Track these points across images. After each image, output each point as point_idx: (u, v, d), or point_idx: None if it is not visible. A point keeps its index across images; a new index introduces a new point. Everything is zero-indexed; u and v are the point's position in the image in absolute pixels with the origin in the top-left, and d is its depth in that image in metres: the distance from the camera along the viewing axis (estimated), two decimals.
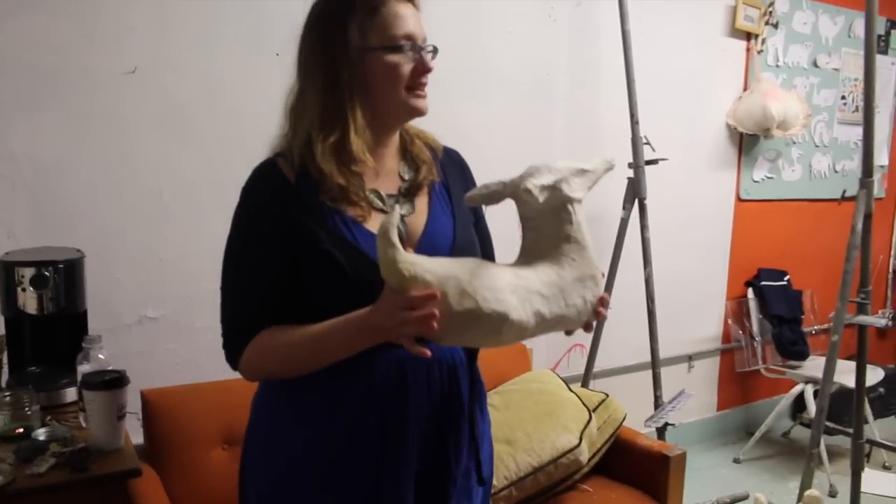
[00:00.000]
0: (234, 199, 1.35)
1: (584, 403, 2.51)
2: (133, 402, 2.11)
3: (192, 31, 2.33)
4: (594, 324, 1.31)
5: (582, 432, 2.42)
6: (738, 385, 4.28)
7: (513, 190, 1.24)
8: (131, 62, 2.25)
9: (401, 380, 1.31)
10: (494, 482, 2.31)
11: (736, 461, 3.96)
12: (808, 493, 1.64)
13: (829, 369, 2.57)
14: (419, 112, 1.34)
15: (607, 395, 2.65)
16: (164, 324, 2.39)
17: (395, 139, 1.41)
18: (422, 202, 1.39)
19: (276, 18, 2.42)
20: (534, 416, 2.45)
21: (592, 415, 2.50)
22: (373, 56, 1.29)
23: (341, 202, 1.30)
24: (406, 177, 1.41)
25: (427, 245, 1.33)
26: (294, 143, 1.32)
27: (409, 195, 1.39)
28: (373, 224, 1.31)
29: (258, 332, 1.29)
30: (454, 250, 1.36)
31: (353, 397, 1.30)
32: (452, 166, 1.49)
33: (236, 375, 2.20)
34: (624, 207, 3.10)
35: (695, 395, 3.94)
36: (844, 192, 2.67)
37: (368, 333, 1.20)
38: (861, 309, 2.65)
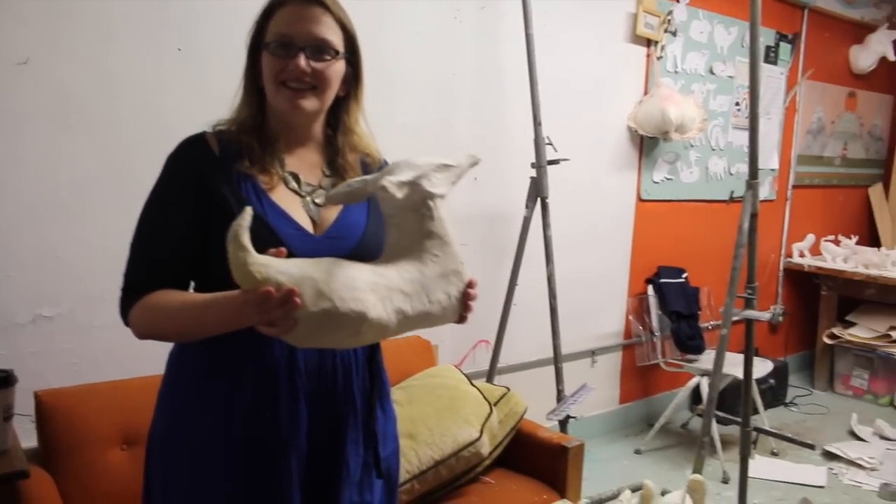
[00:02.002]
0: (134, 194, 1.42)
1: (485, 397, 2.56)
2: (27, 404, 2.06)
3: (88, 23, 2.27)
4: (467, 316, 1.36)
5: (483, 426, 2.47)
6: (640, 379, 4.43)
7: (374, 187, 1.26)
8: (23, 53, 2.18)
9: (293, 365, 1.34)
10: None
11: (637, 452, 4.09)
12: (692, 477, 1.72)
13: (719, 361, 2.70)
14: (291, 110, 1.38)
15: (508, 389, 2.72)
16: (60, 323, 2.33)
17: (315, 136, 1.47)
18: None
19: (178, 13, 2.38)
20: (436, 410, 2.49)
21: (493, 408, 2.56)
22: (263, 52, 1.38)
23: (255, 168, 1.36)
24: (328, 173, 1.46)
25: (334, 233, 1.39)
26: (228, 122, 1.42)
27: (326, 190, 1.43)
28: (280, 197, 1.36)
29: (150, 292, 1.32)
30: (362, 243, 1.40)
31: (248, 382, 1.33)
32: None
33: (135, 374, 2.18)
34: (527, 206, 3.17)
35: (597, 389, 4.05)
36: (732, 192, 2.81)
37: (239, 317, 1.21)
38: (748, 304, 2.79)
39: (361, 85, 1.50)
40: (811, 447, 3.16)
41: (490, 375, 3.29)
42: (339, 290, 1.14)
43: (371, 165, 1.52)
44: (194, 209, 1.33)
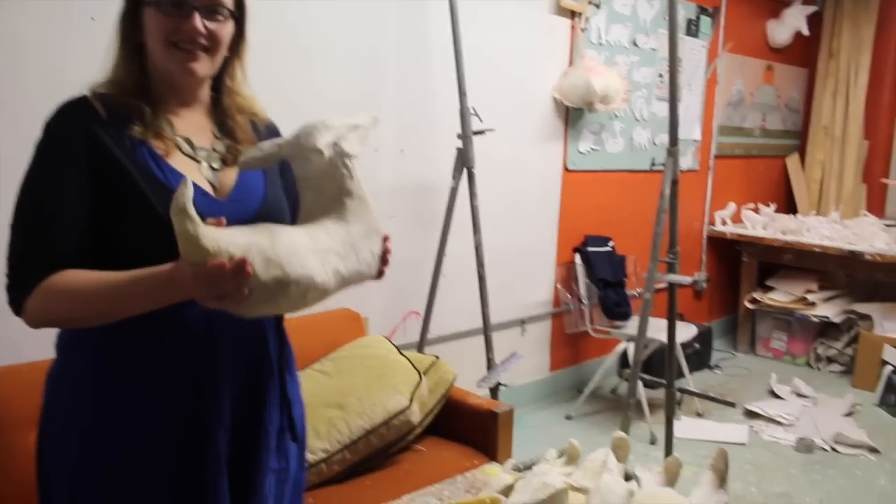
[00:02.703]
0: None
1: (414, 366, 2.58)
2: None
3: None
4: (385, 271, 1.36)
5: (412, 394, 2.49)
6: (569, 346, 4.52)
7: (292, 151, 1.25)
8: None
9: (210, 335, 1.31)
10: (328, 446, 2.36)
11: (568, 418, 4.18)
12: (616, 434, 1.77)
13: (643, 325, 2.77)
14: (183, 73, 1.32)
15: (437, 358, 2.74)
16: None
17: (202, 98, 1.41)
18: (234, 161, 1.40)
19: None
20: (365, 380, 2.50)
21: (423, 377, 2.58)
22: (145, 10, 1.30)
23: (148, 133, 1.29)
24: (219, 136, 1.41)
25: (237, 198, 1.35)
26: (106, 84, 1.32)
27: (220, 153, 1.39)
28: (178, 163, 1.31)
29: (50, 274, 1.22)
30: (264, 206, 1.37)
31: (164, 355, 1.29)
32: (269, 137, 1.48)
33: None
34: (453, 177, 3.19)
35: (526, 357, 4.11)
36: (654, 160, 2.87)
37: (172, 293, 1.17)
38: (671, 268, 2.87)
39: (245, 45, 1.42)
40: (732, 405, 3.28)
41: (421, 346, 3.31)
42: (287, 256, 1.14)
43: (259, 126, 1.48)
44: (88, 176, 1.24)
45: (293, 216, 1.41)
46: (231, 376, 1.34)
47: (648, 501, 1.28)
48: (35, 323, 1.26)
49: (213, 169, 1.37)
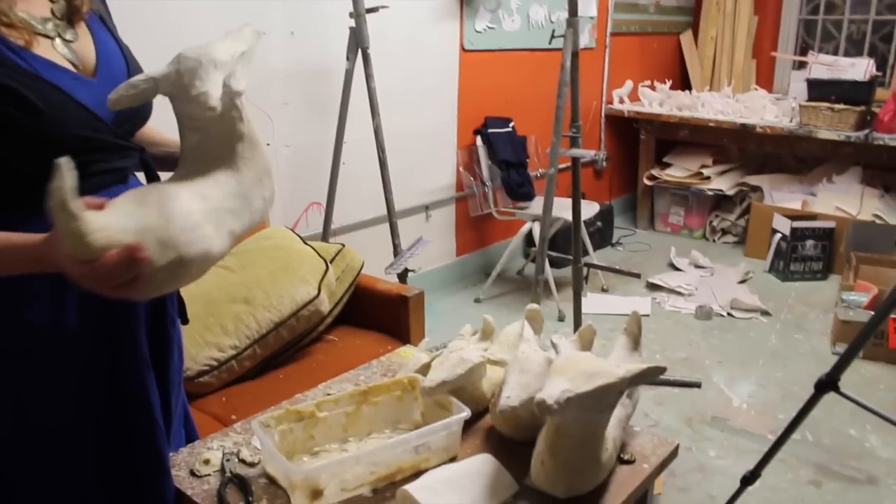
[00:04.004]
0: None
1: (320, 255, 2.50)
2: None
3: None
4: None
5: (320, 283, 2.42)
6: (475, 230, 4.51)
7: (172, 89, 1.11)
8: None
9: None
10: (237, 343, 2.28)
11: (477, 301, 4.21)
12: (529, 307, 1.75)
13: (549, 200, 2.75)
14: None
15: (343, 246, 2.66)
16: None
17: None
18: (82, 29, 1.24)
19: None
20: (270, 272, 2.41)
21: (329, 265, 2.50)
22: None
23: None
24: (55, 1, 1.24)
25: (105, 71, 1.22)
26: None
27: (65, 19, 1.22)
28: (42, 50, 1.15)
29: None
30: (129, 76, 1.23)
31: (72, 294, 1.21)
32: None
33: None
34: (347, 58, 3.04)
35: (433, 241, 4.09)
36: (553, 32, 2.79)
37: (48, 268, 1.05)
38: (573, 143, 2.84)
39: None
40: (637, 276, 3.36)
41: (325, 237, 3.23)
42: (181, 235, 1.05)
43: None
44: None
45: None
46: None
47: (568, 365, 1.26)
48: None
49: (65, 40, 1.21)
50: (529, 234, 4.24)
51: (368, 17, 3.02)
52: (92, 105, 1.16)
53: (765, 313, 4.09)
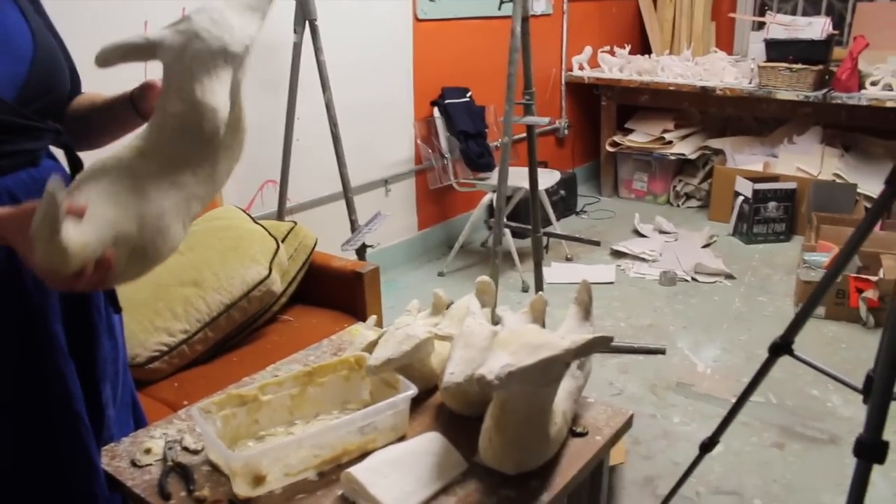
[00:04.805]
0: None
1: (270, 234, 2.44)
2: None
3: None
4: None
5: (271, 262, 2.36)
6: (436, 204, 4.46)
7: (171, 62, 1.08)
8: None
9: None
10: (187, 327, 2.23)
11: (440, 275, 4.17)
12: (479, 279, 1.71)
13: (504, 169, 2.70)
14: None
15: (295, 224, 2.61)
16: None
17: None
18: None
19: None
20: (219, 253, 2.34)
21: (281, 244, 2.45)
22: None
23: None
24: None
25: (4, 49, 1.14)
26: None
27: None
28: None
29: None
30: (38, 56, 1.18)
31: None
32: None
33: None
34: (295, 31, 2.95)
35: (392, 216, 4.03)
36: (501, 1, 2.72)
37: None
38: (527, 110, 2.79)
39: None
40: (597, 244, 3.33)
41: (280, 215, 3.16)
42: (152, 240, 1.09)
43: None
44: None
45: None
46: None
47: (511, 338, 1.23)
48: None
49: None
50: (491, 206, 4.19)
51: None
52: None
53: (729, 276, 4.09)
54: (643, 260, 4.30)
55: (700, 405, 2.86)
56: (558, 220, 4.61)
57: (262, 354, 2.27)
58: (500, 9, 2.78)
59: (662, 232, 4.76)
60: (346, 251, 2.96)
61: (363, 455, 1.34)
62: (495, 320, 1.67)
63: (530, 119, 2.73)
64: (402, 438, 1.41)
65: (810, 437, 2.66)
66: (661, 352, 3.25)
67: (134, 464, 1.37)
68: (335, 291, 2.55)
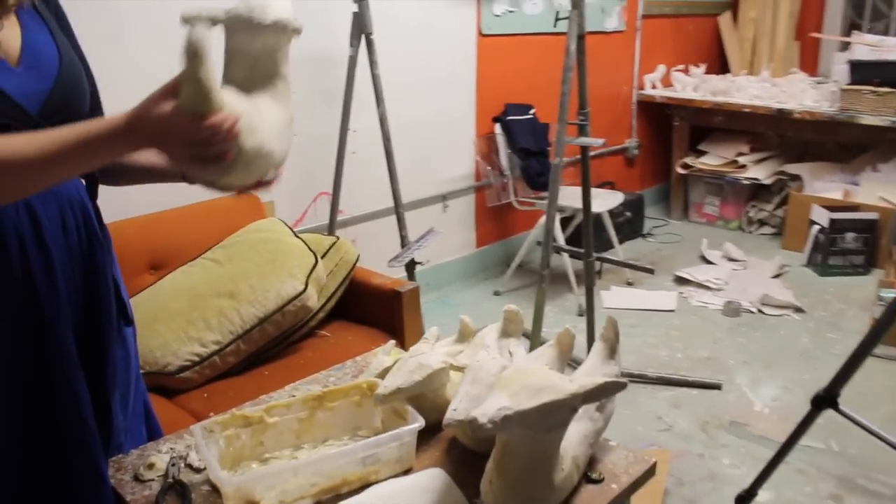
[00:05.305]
0: None
1: (310, 248, 2.42)
2: None
3: None
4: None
5: (308, 277, 2.34)
6: (496, 221, 4.39)
7: (236, 22, 1.13)
8: None
9: (36, 227, 1.22)
10: (219, 338, 2.22)
11: (496, 294, 4.10)
12: (506, 307, 1.64)
13: (553, 191, 2.62)
14: None
15: (338, 238, 2.58)
16: None
17: None
18: (10, 21, 1.19)
19: None
20: (257, 265, 2.34)
21: (319, 259, 2.42)
22: None
23: None
24: None
25: (30, 62, 1.18)
26: None
27: None
28: None
29: None
30: (62, 71, 1.22)
31: None
32: None
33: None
34: (351, 45, 2.94)
35: (451, 233, 4.00)
36: (558, 14, 2.64)
37: (139, 139, 1.06)
38: (582, 130, 2.71)
39: None
40: (651, 271, 3.21)
41: (331, 228, 3.14)
42: (267, 129, 1.14)
43: None
44: None
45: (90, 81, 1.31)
46: (62, 268, 1.27)
47: (514, 378, 1.15)
48: None
49: None
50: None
51: (378, 2, 2.93)
52: (14, 94, 1.14)
53: (798, 310, 3.89)
54: (707, 288, 4.14)
55: (753, 447, 2.70)
56: (623, 242, 4.49)
57: (293, 369, 2.25)
58: (555, 26, 2.71)
59: (731, 259, 4.57)
60: (393, 267, 2.92)
61: (364, 486, 1.29)
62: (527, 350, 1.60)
63: (584, 140, 2.64)
64: (408, 471, 1.36)
65: (873, 492, 2.47)
66: (717, 387, 3.10)
67: (137, 478, 1.35)
68: (374, 309, 2.52)
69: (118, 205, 2.53)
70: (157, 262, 2.43)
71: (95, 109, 1.35)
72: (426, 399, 1.44)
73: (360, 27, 2.89)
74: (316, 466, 1.27)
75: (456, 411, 1.27)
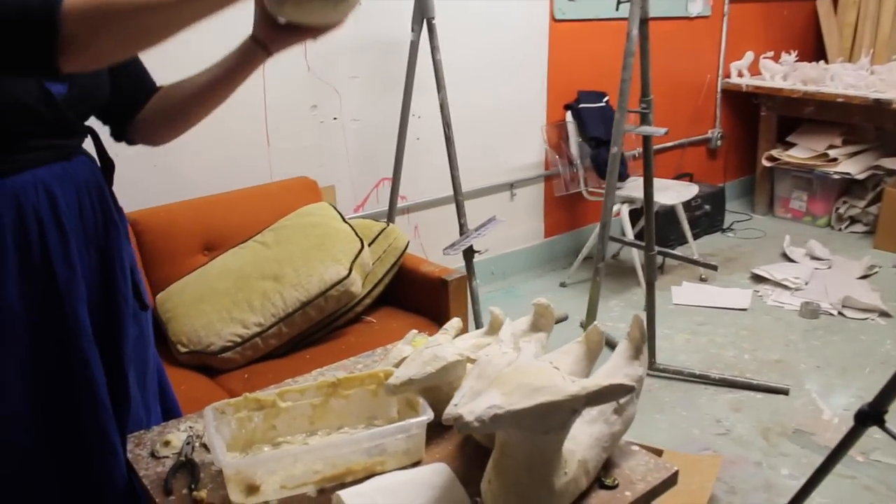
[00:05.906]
0: None
1: (357, 234, 2.41)
2: None
3: None
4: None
5: (352, 263, 2.33)
6: (565, 211, 4.30)
7: None
8: None
9: (54, 205, 1.24)
10: (262, 320, 2.24)
11: (563, 285, 4.02)
12: (536, 301, 1.59)
13: (611, 181, 2.53)
14: None
15: (388, 224, 2.57)
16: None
17: None
18: None
19: None
20: (303, 250, 2.35)
21: (366, 246, 2.41)
22: None
23: None
24: None
25: None
26: None
27: None
28: None
29: None
30: None
31: (8, 235, 1.21)
32: None
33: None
34: (412, 30, 2.91)
35: (518, 223, 3.93)
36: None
37: None
38: (644, 119, 2.61)
39: None
40: (714, 268, 3.08)
41: (390, 214, 3.13)
42: None
43: None
44: None
45: None
46: (79, 250, 1.30)
47: (512, 376, 1.11)
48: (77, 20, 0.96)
49: None
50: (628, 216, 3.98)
51: None
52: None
53: (884, 314, 3.66)
54: (785, 287, 3.95)
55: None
56: (701, 237, 4.33)
57: (335, 354, 2.24)
58: (617, 10, 2.61)
59: (814, 258, 4.34)
60: (449, 255, 2.89)
61: (369, 477, 1.27)
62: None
63: (646, 129, 2.54)
64: (417, 464, 1.33)
65: None
66: (784, 392, 2.95)
67: (153, 454, 1.37)
68: (421, 296, 2.50)
69: (175, 187, 2.60)
70: (211, 244, 2.47)
71: (150, 91, 1.38)
72: (441, 392, 1.40)
73: (422, 11, 2.86)
74: (319, 454, 1.26)
75: (456, 406, 1.23)
